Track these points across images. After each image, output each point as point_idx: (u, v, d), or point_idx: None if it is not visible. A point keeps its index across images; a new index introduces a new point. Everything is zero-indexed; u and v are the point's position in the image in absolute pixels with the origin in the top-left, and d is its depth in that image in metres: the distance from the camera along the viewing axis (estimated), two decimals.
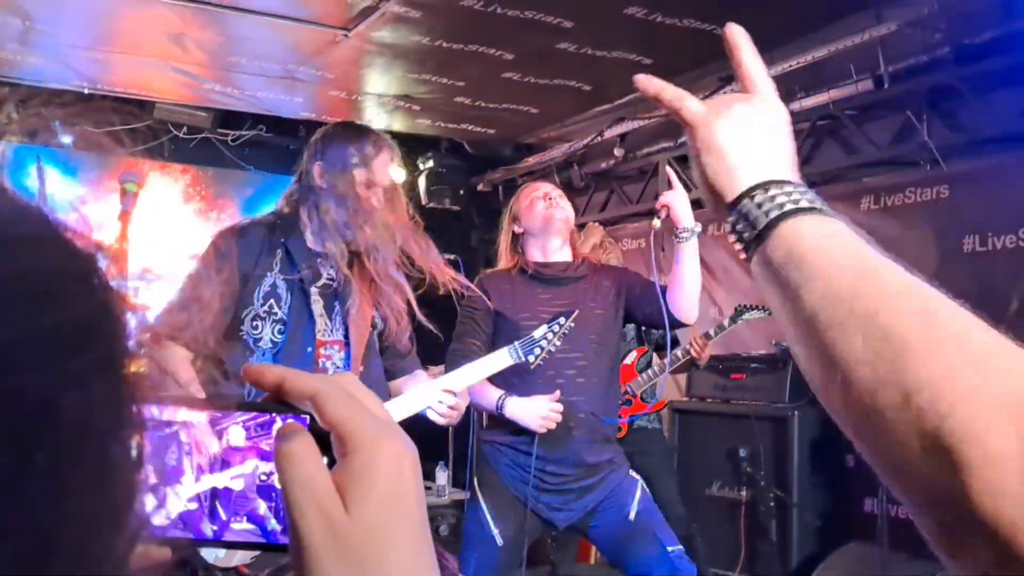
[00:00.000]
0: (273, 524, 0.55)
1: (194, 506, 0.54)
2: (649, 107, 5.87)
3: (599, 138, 6.29)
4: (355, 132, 2.50)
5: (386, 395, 2.45)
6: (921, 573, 3.61)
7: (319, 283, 2.38)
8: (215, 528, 0.55)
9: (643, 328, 4.24)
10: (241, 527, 0.55)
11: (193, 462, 0.54)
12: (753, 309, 4.21)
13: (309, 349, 2.32)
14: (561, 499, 2.84)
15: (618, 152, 6.27)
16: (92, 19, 4.87)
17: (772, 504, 4.44)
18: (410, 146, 6.85)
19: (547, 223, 2.96)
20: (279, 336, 2.30)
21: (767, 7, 4.36)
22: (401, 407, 2.30)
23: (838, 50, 4.60)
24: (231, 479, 0.55)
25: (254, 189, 7.38)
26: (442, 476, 6.25)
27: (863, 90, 4.75)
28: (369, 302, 2.40)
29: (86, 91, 5.99)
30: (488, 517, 2.83)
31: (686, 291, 2.77)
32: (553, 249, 2.99)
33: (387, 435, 0.51)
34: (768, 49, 5.08)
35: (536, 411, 2.74)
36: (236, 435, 0.55)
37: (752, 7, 4.35)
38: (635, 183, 6.38)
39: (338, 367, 2.34)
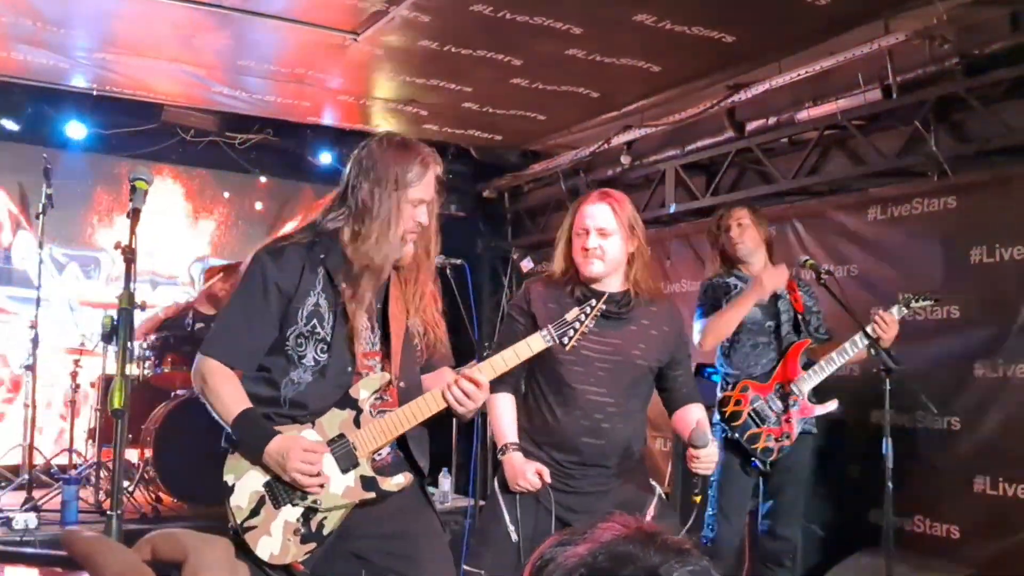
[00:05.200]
0: None
1: None
2: (656, 115, 5.88)
3: (606, 145, 6.29)
4: (402, 149, 2.42)
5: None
6: None
7: (363, 297, 2.38)
8: None
9: (800, 317, 3.96)
10: None
11: None
12: (924, 299, 3.86)
13: (349, 369, 2.36)
14: (578, 501, 2.84)
15: (625, 160, 6.27)
16: (102, 21, 4.89)
17: None
18: None
19: (581, 268, 2.91)
20: (322, 355, 2.34)
21: (775, 17, 4.37)
22: (424, 405, 2.35)
23: (846, 60, 4.60)
24: None
25: (260, 193, 7.39)
26: (445, 482, 6.24)
27: (871, 100, 4.74)
28: (405, 312, 2.44)
29: (95, 93, 6.02)
30: (505, 515, 2.84)
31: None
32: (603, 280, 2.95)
33: None
34: (776, 58, 5.10)
35: (520, 473, 2.81)
36: None
37: (760, 16, 4.37)
38: (641, 191, 6.38)
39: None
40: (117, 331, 1.96)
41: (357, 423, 2.32)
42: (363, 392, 2.33)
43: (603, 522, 0.86)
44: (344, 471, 2.30)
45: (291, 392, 2.31)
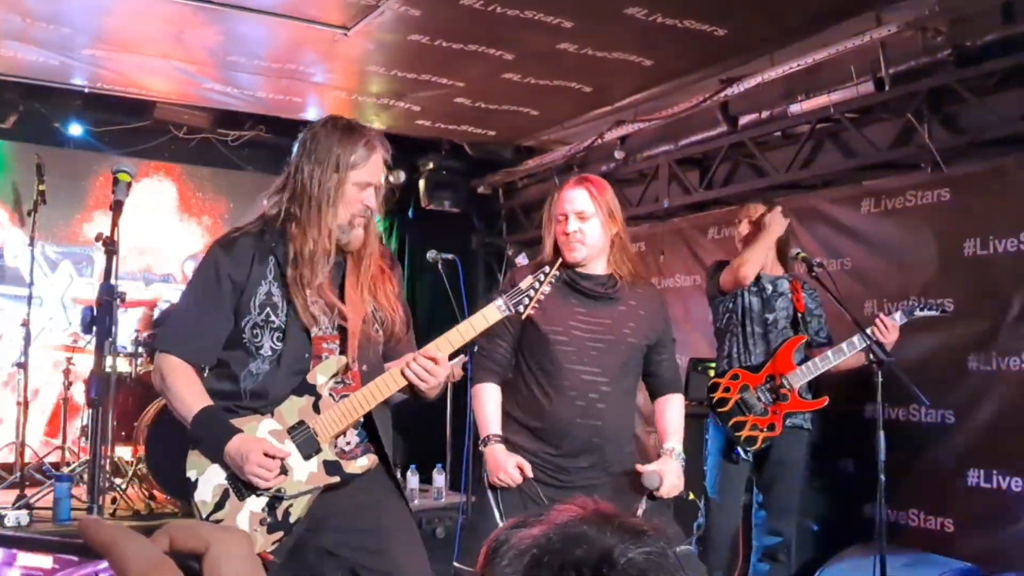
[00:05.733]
0: None
1: None
2: (649, 110, 5.87)
3: (599, 140, 6.28)
4: (347, 132, 2.39)
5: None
6: None
7: (315, 283, 2.36)
8: None
9: (800, 316, 4.00)
10: None
11: None
12: (930, 308, 3.91)
13: (306, 355, 2.33)
14: (567, 496, 2.82)
15: (618, 154, 6.25)
16: (92, 17, 4.87)
17: None
18: (410, 147, 6.84)
19: (564, 254, 2.90)
20: (278, 344, 2.31)
21: (767, 9, 4.36)
22: (384, 385, 2.33)
23: (838, 52, 4.59)
24: None
25: (252, 190, 7.37)
26: (439, 479, 6.22)
27: (863, 92, 4.73)
28: (362, 295, 2.40)
29: (87, 90, 6.00)
30: (495, 509, 2.82)
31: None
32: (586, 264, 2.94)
33: None
34: (768, 51, 5.09)
35: (501, 466, 2.78)
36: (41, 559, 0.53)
37: (752, 9, 4.36)
38: (635, 186, 6.36)
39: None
40: (96, 319, 1.95)
41: (316, 408, 2.30)
42: (320, 377, 2.31)
43: (561, 504, 0.84)
44: (306, 457, 2.27)
45: (250, 384, 2.30)
